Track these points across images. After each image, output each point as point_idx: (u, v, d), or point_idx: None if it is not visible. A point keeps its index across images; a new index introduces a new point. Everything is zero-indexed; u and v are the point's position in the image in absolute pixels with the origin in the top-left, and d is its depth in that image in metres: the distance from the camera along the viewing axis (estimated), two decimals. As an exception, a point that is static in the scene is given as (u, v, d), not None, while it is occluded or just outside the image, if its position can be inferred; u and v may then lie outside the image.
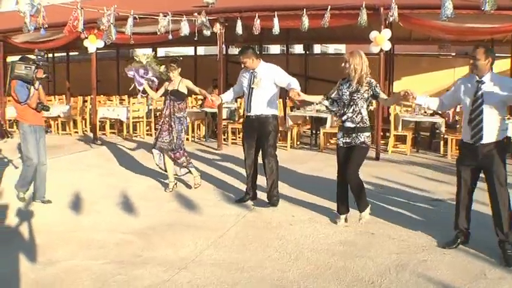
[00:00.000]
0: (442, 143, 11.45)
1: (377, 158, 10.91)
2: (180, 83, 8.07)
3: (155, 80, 8.38)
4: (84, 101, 16.10)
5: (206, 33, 12.33)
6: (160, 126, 8.12)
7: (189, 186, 8.35)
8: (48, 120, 15.94)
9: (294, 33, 16.37)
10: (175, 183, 8.28)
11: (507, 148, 5.43)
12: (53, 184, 8.34)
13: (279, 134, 12.44)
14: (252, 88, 7.20)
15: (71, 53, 22.33)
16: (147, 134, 14.80)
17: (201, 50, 22.36)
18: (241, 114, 12.58)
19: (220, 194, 7.87)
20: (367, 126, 6.18)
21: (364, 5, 10.73)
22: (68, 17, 10.90)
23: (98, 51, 13.93)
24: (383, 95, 6.26)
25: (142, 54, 8.40)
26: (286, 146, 12.13)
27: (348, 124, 6.16)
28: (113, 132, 15.71)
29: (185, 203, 7.42)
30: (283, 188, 7.78)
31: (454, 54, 19.53)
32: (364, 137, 6.13)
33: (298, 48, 26.16)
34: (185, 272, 4.85)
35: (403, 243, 5.61)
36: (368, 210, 6.32)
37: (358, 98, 6.09)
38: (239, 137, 13.13)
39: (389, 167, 10.17)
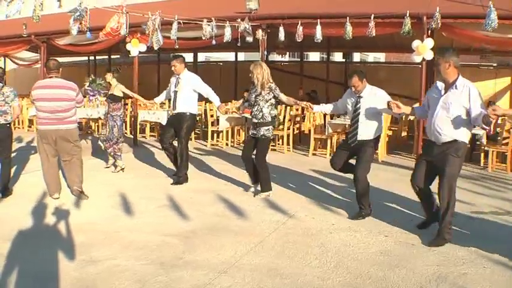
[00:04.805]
0: (482, 155, 11.29)
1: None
2: (116, 88, 9.80)
3: (100, 91, 9.92)
4: (125, 104, 16.28)
5: (249, 40, 12.41)
6: (103, 123, 10.23)
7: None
8: (89, 122, 16.24)
9: (334, 41, 16.37)
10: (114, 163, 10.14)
11: (377, 143, 7.29)
12: (96, 184, 8.53)
13: (319, 142, 12.48)
14: (176, 91, 8.85)
15: (112, 56, 22.62)
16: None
17: (241, 56, 22.46)
18: (281, 120, 12.61)
19: (261, 200, 7.89)
20: (267, 122, 7.82)
21: (408, 14, 10.67)
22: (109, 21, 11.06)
23: (139, 55, 14.14)
24: (283, 97, 7.92)
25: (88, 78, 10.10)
26: (325, 154, 12.12)
27: (253, 120, 7.90)
28: (153, 135, 15.90)
29: (226, 207, 7.47)
30: (321, 195, 7.80)
31: (495, 64, 19.27)
32: (264, 130, 7.82)
33: (337, 56, 26.11)
34: (225, 276, 4.89)
35: (443, 255, 5.56)
36: (269, 193, 8.02)
37: (260, 99, 7.79)
38: (278, 143, 13.17)
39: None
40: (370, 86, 7.00)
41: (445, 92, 5.87)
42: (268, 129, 7.87)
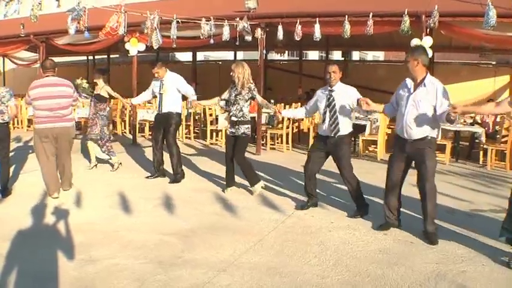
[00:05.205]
0: (481, 153, 11.30)
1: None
2: (102, 89, 9.97)
3: (86, 95, 10.04)
4: (124, 103, 16.28)
5: (247, 39, 12.40)
6: (90, 123, 10.17)
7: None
8: (88, 121, 16.21)
9: (333, 39, 16.34)
10: (96, 164, 10.32)
11: (351, 138, 7.53)
12: (94, 184, 8.52)
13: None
14: (161, 94, 9.15)
15: (111, 56, 22.61)
16: (186, 137, 14.93)
17: (241, 55, 22.45)
18: (280, 119, 12.61)
19: (259, 199, 7.90)
20: (246, 120, 8.02)
21: (406, 12, 10.66)
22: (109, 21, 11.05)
23: (138, 54, 14.12)
24: (259, 98, 8.12)
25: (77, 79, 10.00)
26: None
27: (233, 118, 7.99)
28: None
29: (225, 206, 7.47)
30: (320, 194, 7.79)
31: (494, 63, 19.28)
32: (244, 128, 7.99)
33: (336, 55, 26.11)
34: (224, 275, 4.90)
35: (442, 253, 5.57)
36: (260, 184, 8.21)
37: (240, 99, 7.94)
38: (277, 142, 13.18)
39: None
40: (342, 84, 7.09)
41: (414, 90, 5.98)
42: (248, 127, 8.09)
